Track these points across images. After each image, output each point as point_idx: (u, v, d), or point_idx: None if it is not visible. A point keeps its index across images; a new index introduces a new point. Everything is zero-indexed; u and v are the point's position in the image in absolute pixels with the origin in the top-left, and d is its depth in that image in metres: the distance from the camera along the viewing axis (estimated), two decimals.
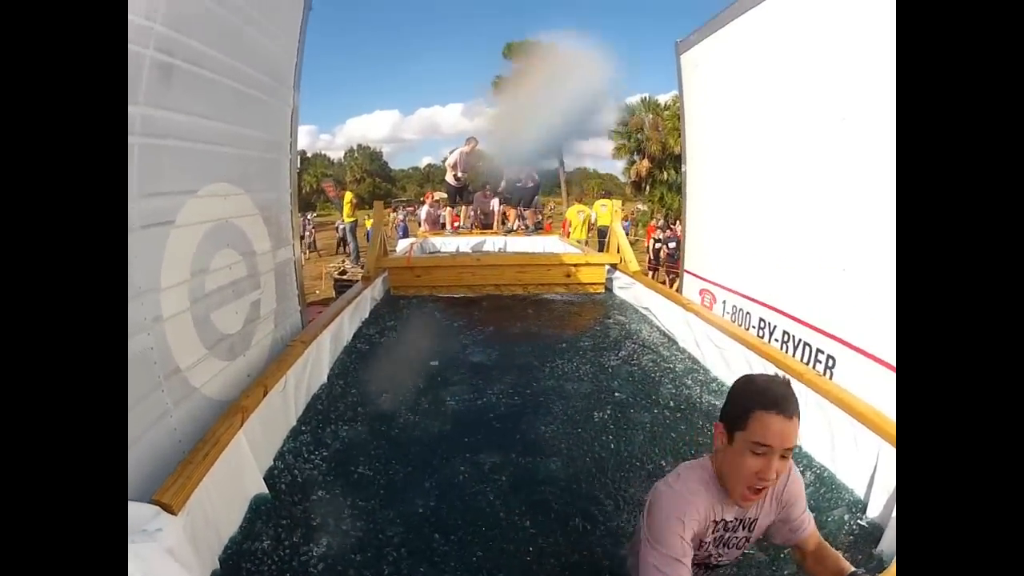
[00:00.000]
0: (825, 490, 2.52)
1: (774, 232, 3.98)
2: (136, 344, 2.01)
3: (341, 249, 18.40)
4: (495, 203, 11.00)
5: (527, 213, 10.26)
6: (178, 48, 2.26)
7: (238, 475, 2.23)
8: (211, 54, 2.58)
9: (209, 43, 2.55)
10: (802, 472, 2.46)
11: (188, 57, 2.36)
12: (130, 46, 1.93)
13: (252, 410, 2.47)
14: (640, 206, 29.30)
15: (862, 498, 2.39)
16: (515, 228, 10.31)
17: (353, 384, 3.61)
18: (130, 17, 1.89)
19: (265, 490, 2.35)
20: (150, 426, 2.05)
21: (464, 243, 9.31)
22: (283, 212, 3.71)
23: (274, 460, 2.63)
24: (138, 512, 1.61)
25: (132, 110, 1.98)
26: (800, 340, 3.60)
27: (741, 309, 4.50)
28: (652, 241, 14.89)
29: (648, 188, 31.21)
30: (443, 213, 11.85)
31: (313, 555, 2.02)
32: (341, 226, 17.49)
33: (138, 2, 1.96)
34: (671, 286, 9.58)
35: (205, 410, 2.44)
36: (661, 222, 16.85)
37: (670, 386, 3.64)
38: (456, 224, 10.40)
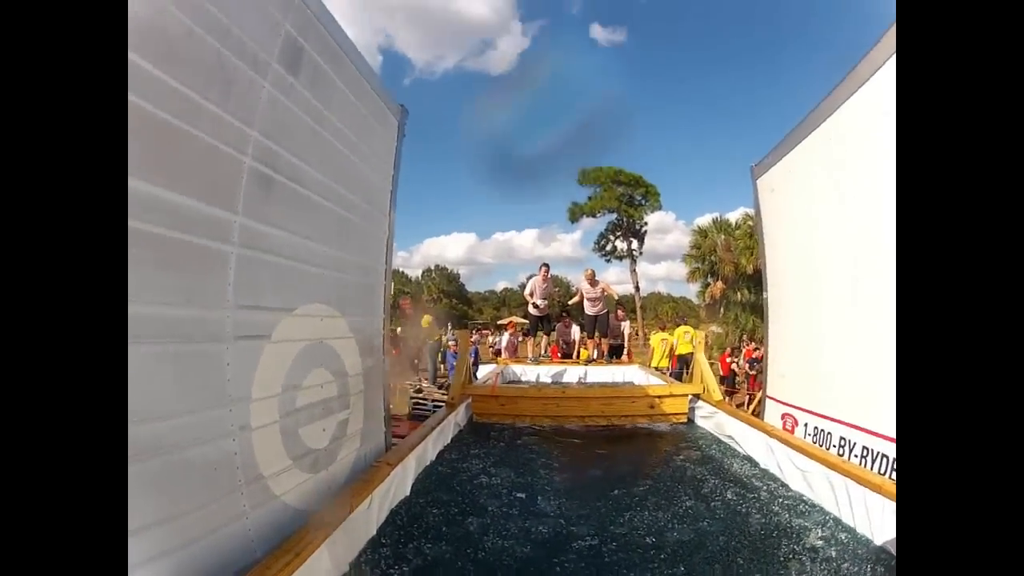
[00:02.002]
0: None
1: (856, 351, 4.01)
2: (219, 448, 2.07)
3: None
4: (575, 332, 11.04)
5: (603, 342, 10.18)
6: (278, 161, 2.49)
7: None
8: (311, 173, 2.82)
9: (308, 161, 2.79)
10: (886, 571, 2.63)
11: (288, 173, 2.58)
12: (230, 150, 2.15)
13: (336, 526, 2.44)
14: (715, 328, 28.63)
15: None
16: (593, 358, 10.25)
17: (435, 505, 3.52)
18: (228, 118, 2.11)
19: None
20: (224, 524, 2.06)
21: (544, 372, 9.27)
22: (376, 336, 3.85)
23: (351, 567, 2.56)
24: None
25: (230, 217, 2.17)
26: (879, 452, 3.66)
27: (822, 430, 4.53)
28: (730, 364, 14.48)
29: (722, 310, 30.67)
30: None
31: None
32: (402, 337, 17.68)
33: (234, 104, 2.16)
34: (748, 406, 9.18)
35: (282, 516, 2.43)
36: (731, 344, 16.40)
37: (758, 515, 3.44)
38: (536, 353, 10.43)
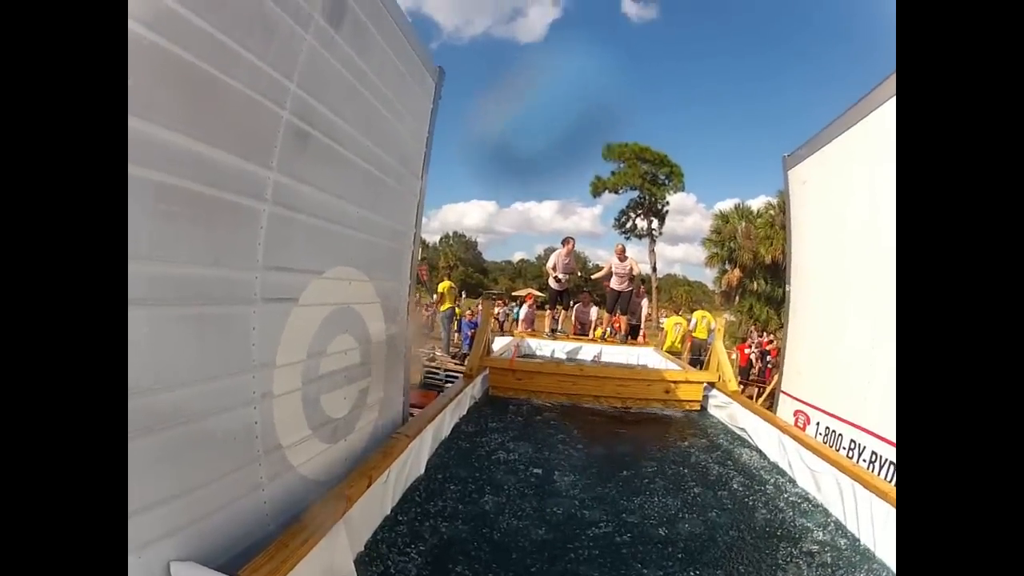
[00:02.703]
0: None
1: (874, 354, 3.98)
2: (240, 416, 2.00)
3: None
4: (593, 312, 10.98)
5: (622, 319, 10.10)
6: (315, 117, 2.37)
7: (330, 564, 2.11)
8: (347, 130, 2.69)
9: (345, 118, 2.67)
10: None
11: (324, 129, 2.46)
12: (268, 103, 2.04)
13: (355, 500, 2.38)
14: (728, 316, 28.51)
15: None
16: (607, 335, 10.18)
17: (452, 481, 3.47)
18: (267, 70, 2.00)
19: None
20: (241, 496, 2.00)
21: (560, 347, 9.23)
22: (401, 302, 3.75)
23: (367, 547, 2.51)
24: None
25: (264, 173, 2.06)
26: (887, 459, 3.71)
27: (833, 431, 4.56)
28: (749, 356, 14.28)
29: (738, 298, 30.46)
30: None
31: None
32: (432, 311, 17.68)
33: (274, 55, 2.04)
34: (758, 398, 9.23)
35: (299, 488, 2.37)
36: (753, 337, 16.18)
37: (763, 510, 3.40)
38: (551, 326, 10.37)
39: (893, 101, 3.81)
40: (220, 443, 1.89)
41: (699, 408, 6.09)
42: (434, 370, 11.36)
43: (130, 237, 1.28)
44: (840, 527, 3.17)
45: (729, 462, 4.31)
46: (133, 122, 1.35)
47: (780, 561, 2.76)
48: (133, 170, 1.35)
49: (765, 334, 16.18)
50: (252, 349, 2.05)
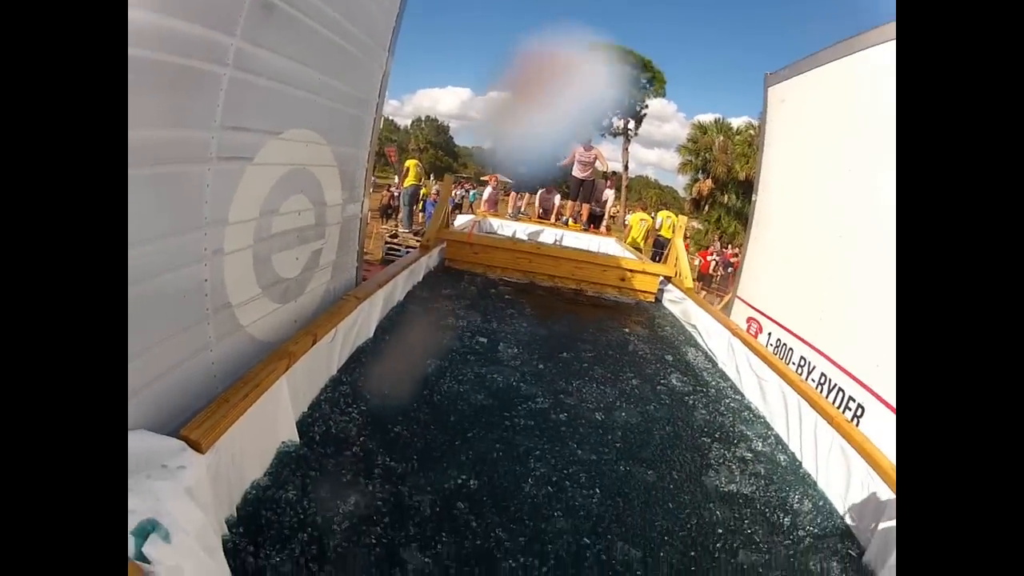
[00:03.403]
0: (832, 529, 2.48)
1: (833, 277, 4.10)
2: (190, 274, 2.01)
3: (389, 214, 18.28)
4: (556, 199, 10.97)
5: (583, 208, 10.14)
6: None
7: (272, 420, 2.21)
8: (313, 1, 2.56)
9: None
10: (813, 508, 2.59)
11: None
12: None
13: (298, 357, 2.45)
14: (696, 224, 28.85)
15: (863, 543, 2.38)
16: (568, 222, 10.24)
17: (399, 344, 3.60)
18: None
19: (297, 438, 2.32)
20: (188, 357, 2.04)
21: (522, 228, 9.26)
22: (359, 169, 3.71)
23: (310, 408, 2.62)
24: (162, 446, 1.56)
25: (227, 40, 1.97)
26: (835, 384, 3.74)
27: (784, 344, 4.64)
28: (712, 263, 14.63)
29: (707, 208, 30.69)
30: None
31: (338, 512, 1.96)
32: (397, 192, 17.46)
33: None
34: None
35: (247, 349, 2.44)
36: (716, 245, 16.52)
37: (703, 410, 3.50)
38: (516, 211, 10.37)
39: (880, 47, 3.79)
40: (171, 301, 1.91)
41: (653, 300, 6.28)
42: (396, 246, 11.38)
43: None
44: (780, 442, 3.20)
45: (675, 357, 4.43)
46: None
47: (713, 463, 2.82)
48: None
49: (730, 246, 16.47)
50: (204, 207, 2.03)
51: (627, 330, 4.97)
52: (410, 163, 14.60)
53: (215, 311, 2.18)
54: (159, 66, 1.65)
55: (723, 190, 29.86)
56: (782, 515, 2.51)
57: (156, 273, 1.79)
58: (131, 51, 1.42)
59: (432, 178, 23.23)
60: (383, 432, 2.55)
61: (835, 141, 4.32)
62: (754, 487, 2.68)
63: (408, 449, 2.46)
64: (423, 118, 60.65)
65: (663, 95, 38.05)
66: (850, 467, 2.60)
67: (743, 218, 25.48)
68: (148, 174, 1.69)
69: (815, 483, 2.82)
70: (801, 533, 2.41)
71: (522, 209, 10.62)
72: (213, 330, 2.19)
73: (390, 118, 58.39)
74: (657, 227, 12.63)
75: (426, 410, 2.84)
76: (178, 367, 1.97)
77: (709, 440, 3.08)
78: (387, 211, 17.98)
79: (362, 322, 3.44)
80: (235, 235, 2.26)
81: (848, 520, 2.52)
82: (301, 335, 2.62)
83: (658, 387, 3.72)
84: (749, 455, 2.98)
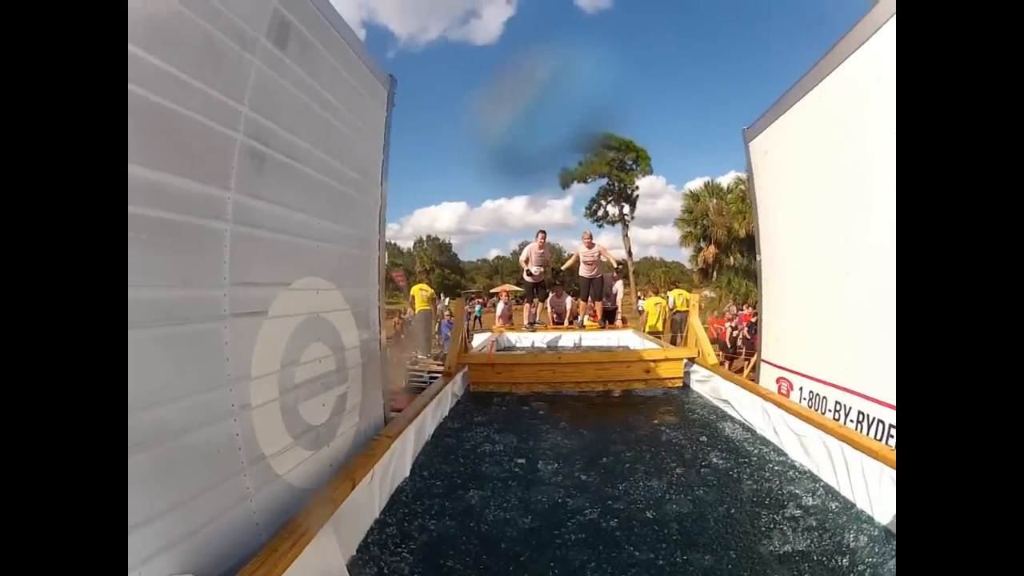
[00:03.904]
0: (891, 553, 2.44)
1: (849, 315, 3.99)
2: (222, 429, 2.03)
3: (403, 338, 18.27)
4: (568, 301, 11.05)
5: (596, 305, 10.19)
6: (269, 136, 2.41)
7: (323, 567, 2.14)
8: (302, 146, 2.74)
9: (300, 135, 2.71)
10: (869, 541, 2.56)
11: (279, 147, 2.51)
12: (221, 128, 2.08)
13: (340, 502, 2.41)
14: (708, 292, 28.83)
15: None
16: (584, 323, 10.25)
17: (437, 478, 3.51)
18: (217, 96, 2.04)
19: None
20: (229, 508, 2.03)
21: (540, 338, 9.26)
22: (371, 308, 3.80)
23: (359, 551, 2.54)
24: None
25: (223, 195, 2.10)
26: (875, 418, 3.62)
27: (817, 394, 4.50)
28: (728, 329, 14.37)
29: (715, 274, 30.82)
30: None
31: None
32: (408, 317, 17.54)
33: (224, 82, 2.09)
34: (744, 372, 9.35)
35: (287, 496, 2.40)
36: (732, 309, 16.32)
37: (748, 481, 3.42)
38: (531, 317, 10.41)
39: (842, 67, 3.89)
40: (204, 456, 1.91)
41: (681, 384, 6.16)
42: (417, 372, 11.34)
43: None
44: (830, 490, 3.17)
45: (713, 436, 4.33)
46: None
47: (765, 529, 2.77)
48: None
49: (746, 306, 16.31)
50: (226, 363, 2.08)
51: (660, 421, 4.86)
52: (415, 290, 14.79)
53: (250, 463, 2.17)
54: (161, 224, 1.75)
55: (727, 252, 30.04)
56: (840, 558, 2.46)
57: (184, 430, 1.81)
58: (131, 209, 1.53)
59: (443, 296, 23.50)
60: (436, 569, 2.44)
61: (826, 176, 4.33)
62: (809, 540, 2.63)
63: None
64: (425, 238, 62.80)
65: (650, 172, 39.38)
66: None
67: (750, 275, 25.48)
68: (164, 334, 1.75)
69: (871, 518, 2.79)
70: (861, 568, 2.37)
71: (536, 316, 10.67)
72: (251, 481, 2.16)
73: (392, 241, 60.24)
74: (671, 307, 12.58)
75: (475, 541, 2.72)
76: (219, 517, 1.95)
77: (759, 509, 3.01)
78: (400, 337, 17.97)
79: (397, 460, 3.38)
80: (260, 389, 2.28)
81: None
82: (339, 480, 2.59)
83: (702, 470, 3.62)
84: (799, 512, 2.95)
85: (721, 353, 12.28)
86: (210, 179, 2.03)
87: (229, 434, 2.07)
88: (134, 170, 1.57)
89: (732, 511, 2.99)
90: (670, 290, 14.68)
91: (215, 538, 1.91)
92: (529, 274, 9.80)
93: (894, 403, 3.35)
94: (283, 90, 2.56)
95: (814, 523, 2.81)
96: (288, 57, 2.57)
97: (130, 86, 1.53)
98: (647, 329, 11.11)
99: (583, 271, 9.84)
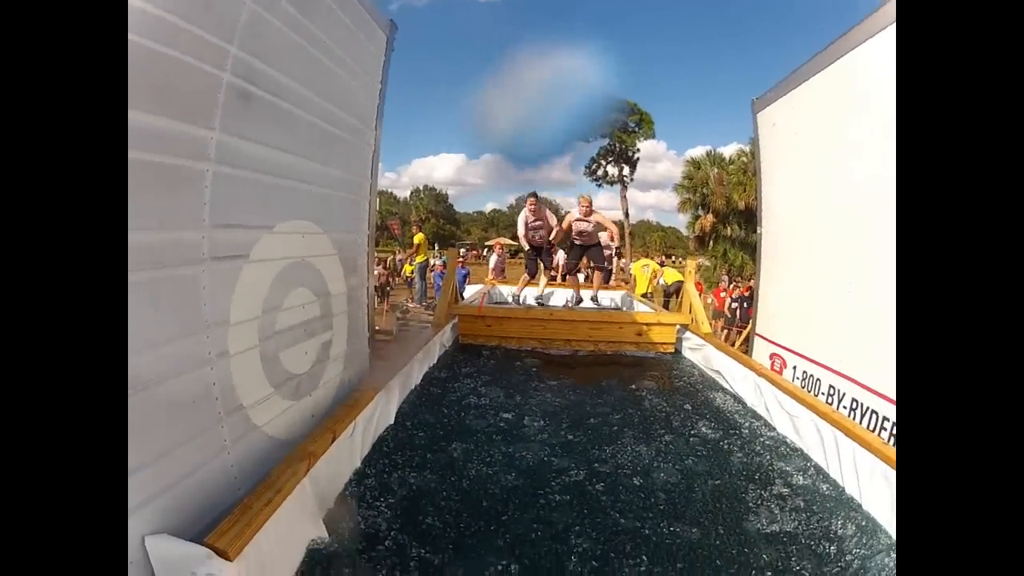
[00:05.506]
0: (878, 547, 2.40)
1: (851, 299, 3.92)
2: (198, 378, 1.95)
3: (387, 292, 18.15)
4: (560, 256, 10.86)
5: (596, 275, 9.97)
6: (258, 76, 2.27)
7: (299, 521, 2.12)
8: (293, 87, 2.59)
9: (292, 76, 2.56)
10: (857, 531, 2.50)
11: (269, 87, 2.36)
12: (204, 67, 1.94)
13: (319, 456, 2.38)
14: (703, 261, 28.78)
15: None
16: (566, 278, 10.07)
17: (421, 430, 3.48)
18: (206, 37, 1.90)
19: (327, 536, 2.23)
20: (205, 461, 1.97)
21: (531, 292, 9.15)
22: (360, 254, 3.69)
23: (336, 504, 2.51)
24: (188, 553, 1.54)
25: (206, 134, 1.97)
26: (868, 407, 3.62)
27: (811, 375, 4.50)
28: (729, 302, 14.28)
29: (712, 243, 30.70)
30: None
31: None
32: (399, 262, 17.36)
33: (214, 22, 1.96)
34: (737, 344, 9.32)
35: (265, 448, 2.35)
36: (724, 281, 16.24)
37: (739, 453, 3.40)
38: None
39: (862, 47, 3.74)
40: (180, 407, 1.85)
41: (673, 351, 6.15)
42: (408, 322, 11.31)
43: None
44: (820, 471, 3.13)
45: (703, 406, 4.32)
46: None
47: (753, 506, 2.74)
48: None
49: (740, 279, 16.25)
50: (203, 309, 1.98)
51: (652, 385, 4.84)
52: (418, 238, 14.63)
53: (227, 414, 2.11)
54: (135, 164, 1.62)
55: (725, 222, 29.88)
56: (827, 544, 2.42)
57: (158, 380, 1.73)
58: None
59: (436, 248, 23.34)
60: (414, 524, 2.42)
61: (835, 155, 4.22)
62: (796, 522, 2.60)
63: (441, 539, 2.32)
64: (422, 188, 62.54)
65: (652, 136, 38.84)
66: (890, 483, 2.53)
67: (747, 248, 25.38)
68: (143, 279, 1.66)
69: (859, 506, 2.73)
70: (848, 558, 2.31)
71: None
72: (228, 433, 2.11)
73: (389, 190, 60.25)
74: (662, 284, 12.43)
75: (456, 496, 2.70)
76: (196, 471, 1.90)
77: (748, 483, 2.98)
78: (383, 289, 17.82)
79: (381, 411, 3.35)
80: (239, 335, 2.20)
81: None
82: (320, 432, 2.55)
83: (691, 439, 3.61)
84: (787, 491, 2.91)
85: (716, 323, 12.21)
86: (192, 118, 1.90)
87: (205, 383, 1.99)
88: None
89: (720, 484, 2.97)
90: (662, 264, 14.49)
91: (193, 491, 1.86)
92: (529, 241, 9.44)
93: (890, 395, 3.33)
94: (275, 29, 2.39)
95: (802, 504, 2.77)
96: None
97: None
98: (638, 293, 10.99)
99: (576, 239, 9.35)
